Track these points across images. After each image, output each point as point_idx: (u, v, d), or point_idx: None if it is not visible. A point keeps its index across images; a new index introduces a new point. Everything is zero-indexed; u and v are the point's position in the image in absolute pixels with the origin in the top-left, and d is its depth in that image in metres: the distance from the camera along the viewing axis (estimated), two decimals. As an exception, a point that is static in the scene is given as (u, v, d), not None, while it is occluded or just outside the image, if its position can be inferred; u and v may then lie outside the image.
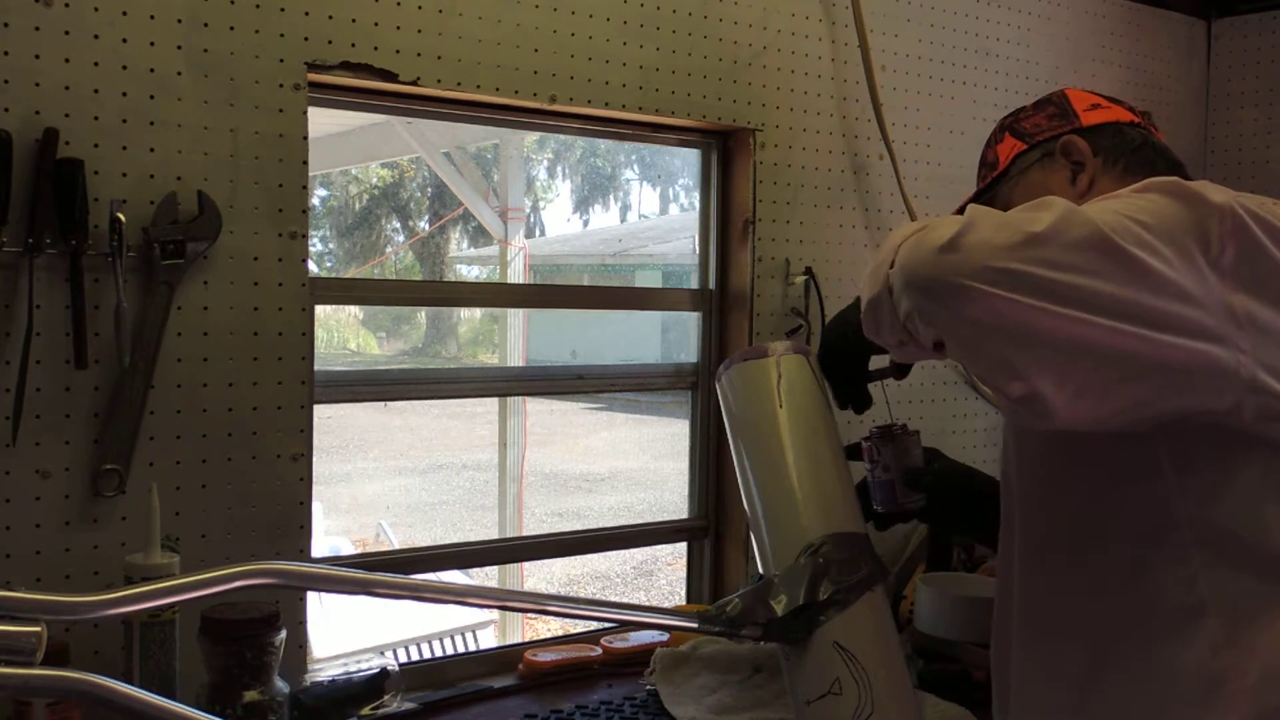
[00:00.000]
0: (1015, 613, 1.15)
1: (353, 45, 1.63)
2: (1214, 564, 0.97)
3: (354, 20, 1.63)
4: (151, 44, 1.48)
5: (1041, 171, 1.27)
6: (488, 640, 4.60)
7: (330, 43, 1.61)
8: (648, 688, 1.74)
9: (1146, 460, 0.99)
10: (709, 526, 2.16)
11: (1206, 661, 0.97)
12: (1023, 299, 0.85)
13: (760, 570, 1.16)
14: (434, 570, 1.98)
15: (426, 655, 4.02)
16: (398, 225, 19.03)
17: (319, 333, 1.86)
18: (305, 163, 1.61)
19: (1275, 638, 0.95)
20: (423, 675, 1.78)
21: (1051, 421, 0.94)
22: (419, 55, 1.68)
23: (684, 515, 2.20)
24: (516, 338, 6.95)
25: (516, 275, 7.02)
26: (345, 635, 3.77)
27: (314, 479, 1.65)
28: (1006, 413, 1.19)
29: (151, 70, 1.48)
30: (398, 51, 1.66)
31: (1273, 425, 0.94)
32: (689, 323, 2.22)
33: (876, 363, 1.37)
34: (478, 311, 16.65)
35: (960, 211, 1.01)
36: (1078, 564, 1.06)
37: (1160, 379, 0.89)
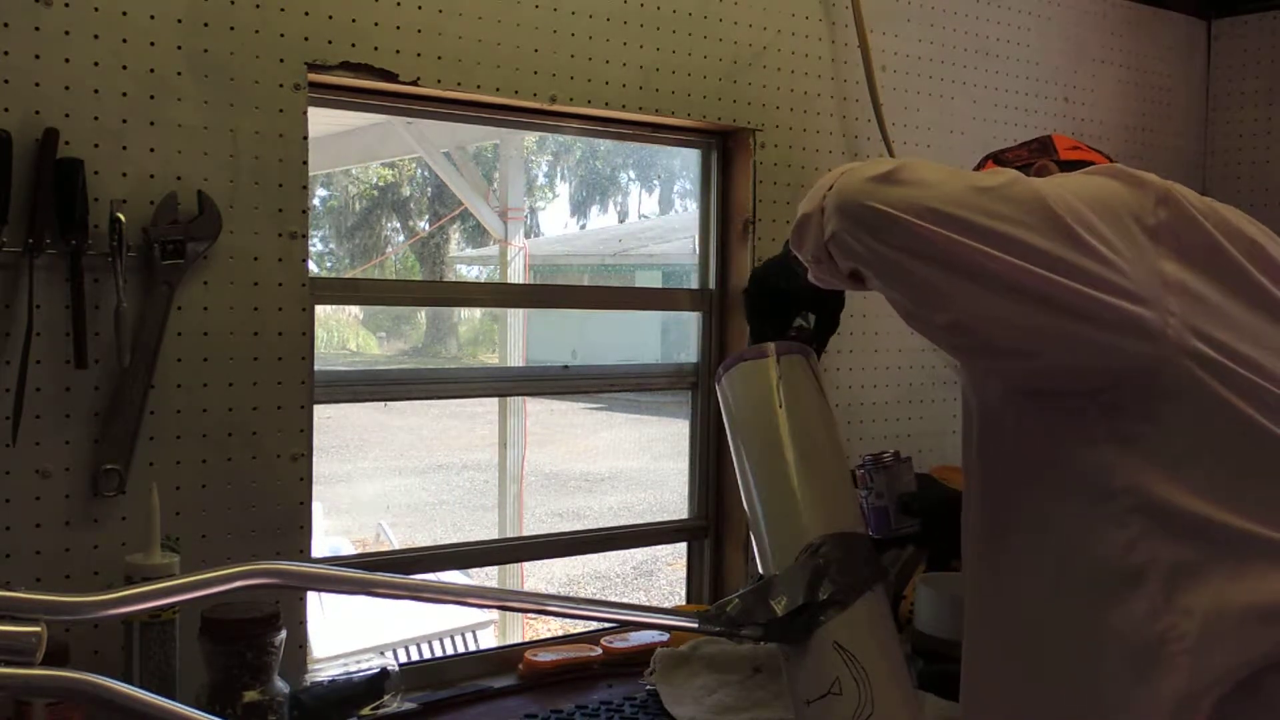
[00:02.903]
0: (976, 590, 1.16)
1: (353, 45, 1.63)
2: (1151, 529, 0.98)
3: (354, 20, 1.63)
4: (151, 44, 1.48)
5: None
6: (488, 640, 4.60)
7: (330, 43, 1.61)
8: (648, 688, 1.74)
9: (1084, 428, 1.01)
10: (709, 526, 2.16)
11: (1146, 625, 0.98)
12: (955, 235, 0.93)
13: (760, 570, 1.16)
14: (434, 570, 1.98)
15: (426, 655, 4.02)
16: (398, 225, 19.04)
17: (319, 333, 1.86)
18: (305, 163, 1.61)
19: (1213, 601, 0.96)
20: (423, 675, 1.78)
21: (978, 353, 1.04)
22: (419, 55, 1.68)
23: (684, 515, 2.20)
24: (516, 338, 6.95)
25: (516, 275, 7.02)
26: (345, 635, 3.77)
27: (314, 479, 1.65)
28: (941, 345, 1.23)
29: (151, 70, 1.48)
30: (398, 51, 1.67)
31: (1205, 391, 0.97)
32: (689, 323, 2.22)
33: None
34: (478, 311, 16.66)
35: None
36: (1022, 531, 1.08)
37: (1084, 328, 0.95)
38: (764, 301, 1.36)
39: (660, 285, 12.16)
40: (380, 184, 18.10)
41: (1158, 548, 0.98)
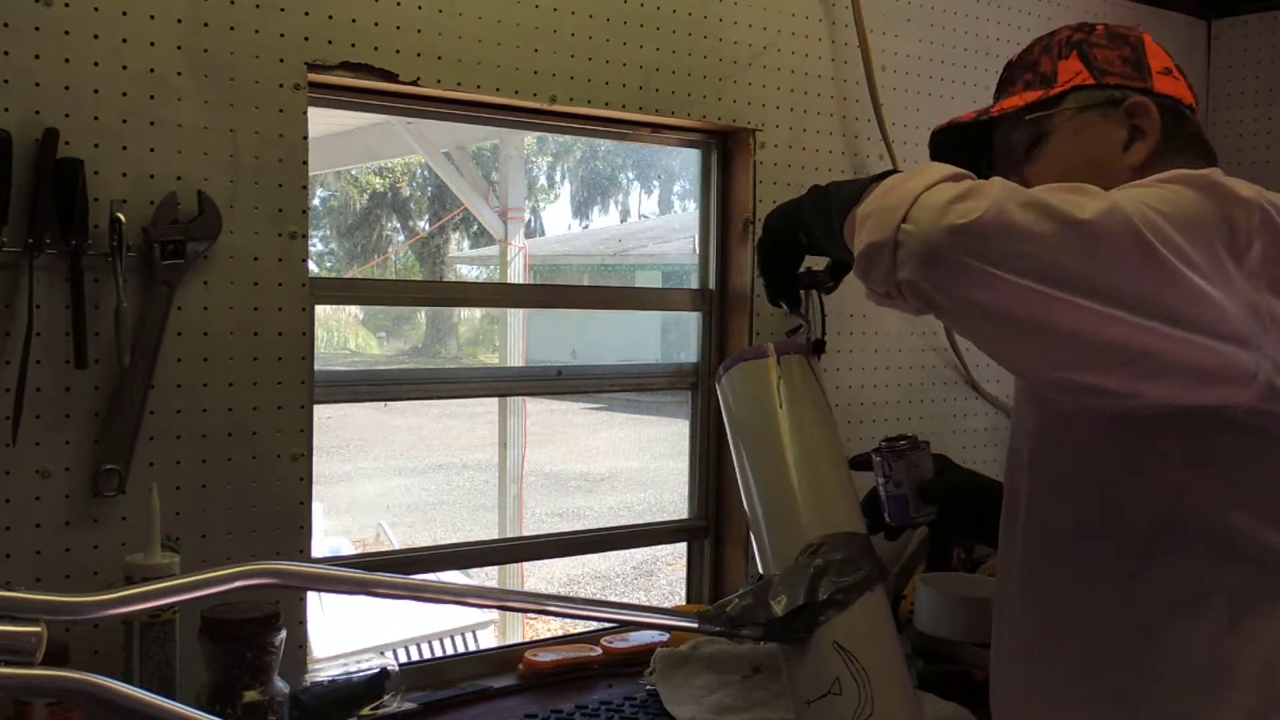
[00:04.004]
0: (1019, 601, 1.15)
1: (353, 45, 1.63)
2: (1219, 554, 0.97)
3: (354, 20, 1.63)
4: (151, 44, 1.48)
5: (1098, 120, 1.15)
6: (488, 640, 4.60)
7: (330, 43, 1.61)
8: (648, 688, 1.74)
9: (1158, 452, 0.99)
10: (709, 526, 2.16)
11: (1210, 649, 0.97)
12: (1045, 289, 0.84)
13: (760, 570, 1.16)
14: (434, 570, 1.97)
15: (426, 655, 4.02)
16: (398, 225, 19.04)
17: (319, 333, 1.86)
18: (305, 163, 1.60)
19: (1278, 626, 0.96)
20: (423, 675, 1.78)
21: (1059, 402, 0.99)
22: (419, 55, 1.68)
23: (684, 515, 2.20)
24: (516, 338, 6.96)
25: (516, 275, 7.02)
26: (345, 635, 3.77)
27: (314, 479, 1.65)
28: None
29: (151, 70, 1.48)
30: (398, 51, 1.66)
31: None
32: (689, 323, 2.22)
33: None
34: (478, 311, 16.66)
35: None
36: (1084, 551, 1.06)
37: (1178, 375, 0.89)
38: (775, 249, 1.24)
39: (660, 285, 12.16)
40: (377, 190, 18.11)
41: (1225, 573, 0.97)
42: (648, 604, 6.14)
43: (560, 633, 4.44)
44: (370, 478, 10.16)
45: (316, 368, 1.65)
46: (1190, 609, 0.98)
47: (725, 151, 2.13)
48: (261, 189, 1.57)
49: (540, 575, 7.24)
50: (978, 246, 0.85)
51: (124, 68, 1.46)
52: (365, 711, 1.58)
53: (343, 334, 17.59)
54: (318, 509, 4.00)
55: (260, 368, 1.58)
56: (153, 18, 1.48)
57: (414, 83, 1.69)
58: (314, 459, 1.64)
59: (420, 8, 1.68)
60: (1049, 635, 1.11)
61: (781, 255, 1.23)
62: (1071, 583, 1.08)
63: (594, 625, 2.01)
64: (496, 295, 3.90)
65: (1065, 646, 1.08)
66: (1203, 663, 0.97)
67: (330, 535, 6.08)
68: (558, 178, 20.37)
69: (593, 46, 1.86)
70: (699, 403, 2.18)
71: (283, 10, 1.57)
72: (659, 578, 7.72)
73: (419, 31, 1.68)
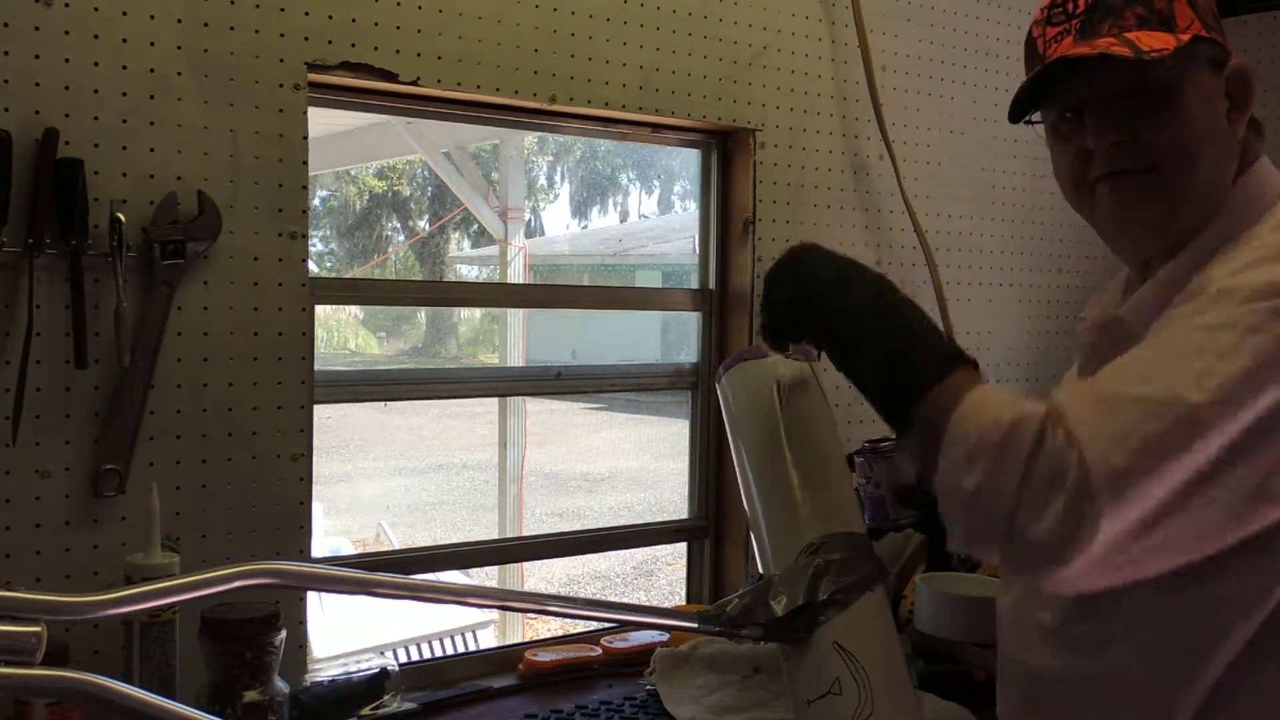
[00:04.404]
0: (1036, 628, 1.12)
1: (353, 45, 1.63)
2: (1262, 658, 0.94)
3: (354, 20, 1.63)
4: (151, 44, 1.48)
5: (1210, 81, 1.03)
6: (488, 640, 4.60)
7: (330, 43, 1.61)
8: (648, 688, 1.74)
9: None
10: (709, 526, 2.16)
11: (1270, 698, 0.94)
12: (1146, 563, 0.85)
13: (760, 570, 1.16)
14: (434, 570, 1.97)
15: (426, 655, 4.02)
16: (398, 225, 19.05)
17: (319, 333, 1.86)
18: (305, 163, 1.61)
19: None
20: (423, 675, 1.78)
21: None
22: (419, 55, 1.68)
23: (684, 515, 2.20)
24: (516, 338, 6.96)
25: (516, 275, 7.03)
26: (345, 635, 3.77)
27: (314, 479, 1.65)
28: None
29: (151, 70, 1.48)
30: (398, 51, 1.67)
31: None
32: (689, 323, 2.22)
33: None
34: (478, 311, 16.67)
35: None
36: (1123, 639, 1.03)
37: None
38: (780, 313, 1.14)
39: (660, 285, 12.16)
40: (376, 191, 18.13)
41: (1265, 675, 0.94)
42: (648, 604, 6.15)
43: (560, 633, 4.44)
44: (370, 478, 10.16)
45: (316, 368, 1.65)
46: (1220, 702, 0.95)
47: (725, 151, 2.14)
48: (261, 189, 1.57)
49: (540, 575, 7.24)
50: (1091, 578, 0.86)
51: (124, 68, 1.46)
52: (365, 711, 1.58)
53: (343, 334, 17.60)
54: (318, 509, 3.99)
55: (260, 368, 1.58)
56: (153, 18, 1.48)
57: (414, 83, 1.69)
58: (314, 459, 1.64)
59: (420, 8, 1.68)
60: (1071, 661, 1.07)
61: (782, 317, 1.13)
62: (1107, 634, 1.04)
63: (594, 625, 2.01)
64: (496, 295, 3.91)
65: (1094, 684, 1.05)
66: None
67: (330, 535, 6.07)
68: (558, 178, 20.38)
69: (593, 46, 1.86)
70: (699, 403, 2.18)
71: (283, 10, 1.57)
72: (659, 578, 7.72)
73: (419, 31, 1.68)
